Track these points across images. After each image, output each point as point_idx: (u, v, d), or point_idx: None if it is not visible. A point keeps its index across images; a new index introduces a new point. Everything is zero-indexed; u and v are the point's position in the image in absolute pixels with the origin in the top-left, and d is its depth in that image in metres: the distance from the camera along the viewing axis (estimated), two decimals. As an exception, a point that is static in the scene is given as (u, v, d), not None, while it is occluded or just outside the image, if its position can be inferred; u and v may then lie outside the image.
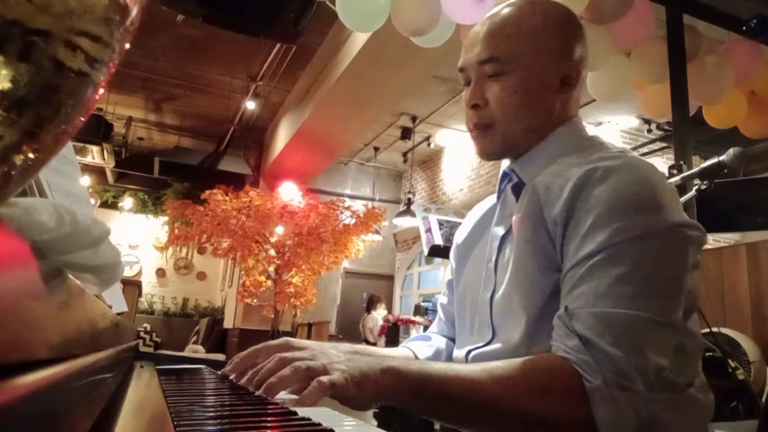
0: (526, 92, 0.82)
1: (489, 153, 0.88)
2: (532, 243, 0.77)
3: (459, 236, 1.02)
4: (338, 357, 0.67)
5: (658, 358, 0.63)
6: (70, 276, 0.39)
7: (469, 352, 0.86)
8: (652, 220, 0.68)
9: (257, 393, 0.65)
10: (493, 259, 0.86)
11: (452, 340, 1.02)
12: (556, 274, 0.74)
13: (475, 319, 0.88)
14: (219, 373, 0.92)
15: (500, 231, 0.87)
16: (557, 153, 0.83)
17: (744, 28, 3.65)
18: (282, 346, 0.81)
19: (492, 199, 0.97)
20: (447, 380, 0.66)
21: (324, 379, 0.62)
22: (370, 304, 7.46)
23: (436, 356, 1.00)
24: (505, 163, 0.91)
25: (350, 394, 0.63)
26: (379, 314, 7.30)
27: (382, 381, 0.65)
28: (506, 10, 0.85)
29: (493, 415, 0.66)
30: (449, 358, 1.00)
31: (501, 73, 0.82)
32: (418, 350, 1.01)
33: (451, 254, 1.04)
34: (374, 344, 6.64)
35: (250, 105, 6.90)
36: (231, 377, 0.82)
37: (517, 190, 0.86)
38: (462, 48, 0.89)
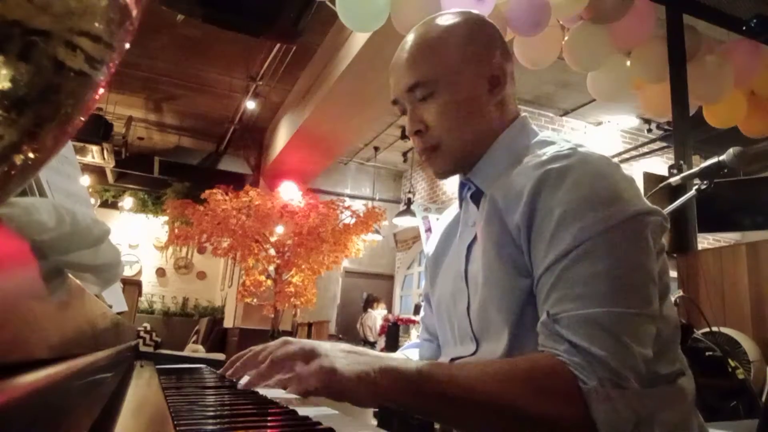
0: (458, 106, 0.84)
1: (445, 172, 0.89)
2: (498, 251, 0.77)
3: (429, 247, 1.02)
4: (337, 354, 0.67)
5: (642, 350, 0.65)
6: (70, 276, 0.39)
7: (453, 359, 0.86)
8: (612, 214, 0.69)
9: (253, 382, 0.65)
10: (462, 269, 0.86)
11: None
12: (527, 279, 0.74)
13: (456, 331, 0.88)
14: (219, 372, 0.92)
15: (465, 241, 0.87)
16: (509, 156, 0.83)
17: (744, 28, 3.65)
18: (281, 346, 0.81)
19: (456, 207, 0.97)
20: (446, 380, 0.67)
21: (326, 362, 0.62)
22: (368, 304, 7.46)
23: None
24: None
25: (350, 390, 0.63)
26: (378, 313, 7.31)
27: (380, 380, 0.65)
28: (418, 33, 0.87)
29: (492, 415, 0.66)
30: None
31: (430, 95, 0.84)
32: (413, 357, 1.01)
33: (424, 267, 1.03)
34: (374, 343, 6.65)
35: (250, 105, 6.90)
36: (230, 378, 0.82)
37: (477, 198, 0.86)
38: (390, 81, 0.90)
